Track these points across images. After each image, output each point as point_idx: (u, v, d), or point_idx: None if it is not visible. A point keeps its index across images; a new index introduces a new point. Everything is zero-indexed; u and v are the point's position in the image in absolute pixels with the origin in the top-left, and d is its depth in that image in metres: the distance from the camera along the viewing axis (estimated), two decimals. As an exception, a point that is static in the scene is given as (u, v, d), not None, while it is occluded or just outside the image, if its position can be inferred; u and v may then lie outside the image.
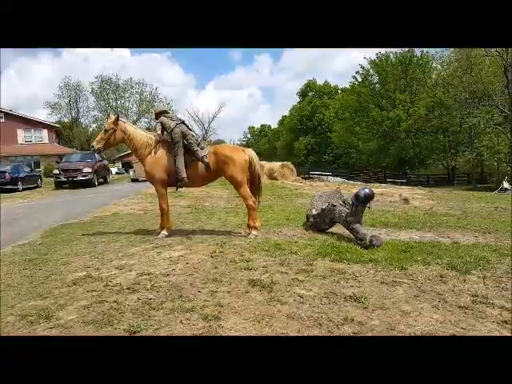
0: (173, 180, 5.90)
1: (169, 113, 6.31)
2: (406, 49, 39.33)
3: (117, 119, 5.95)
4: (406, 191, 14.27)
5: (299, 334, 2.61)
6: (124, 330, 2.74)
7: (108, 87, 55.99)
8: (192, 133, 5.97)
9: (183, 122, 6.03)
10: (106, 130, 5.93)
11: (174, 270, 4.19)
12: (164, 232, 5.97)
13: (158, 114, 6.16)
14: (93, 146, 5.96)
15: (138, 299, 3.33)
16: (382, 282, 3.61)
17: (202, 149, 5.91)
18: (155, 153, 5.93)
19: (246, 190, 5.88)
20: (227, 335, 2.64)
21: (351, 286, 3.53)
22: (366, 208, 5.46)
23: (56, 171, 19.36)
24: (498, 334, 2.58)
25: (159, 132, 6.01)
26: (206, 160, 5.72)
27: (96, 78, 55.91)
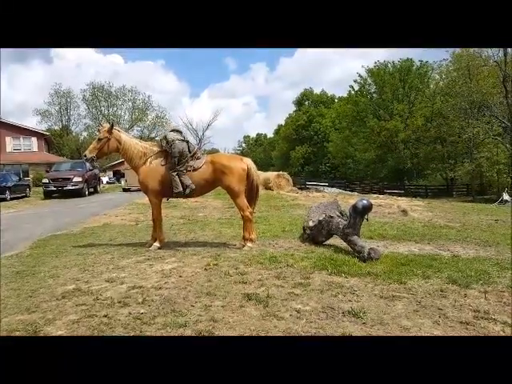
0: (167, 190, 5.89)
1: (181, 132, 6.25)
2: (405, 57, 39.93)
3: (111, 128, 5.93)
4: (404, 202, 14.33)
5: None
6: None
7: (100, 95, 56.08)
8: (188, 155, 5.85)
9: (187, 142, 5.98)
10: (99, 139, 5.90)
11: (166, 283, 4.17)
12: (156, 244, 5.94)
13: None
14: (85, 155, 5.94)
15: (129, 313, 3.30)
16: (381, 297, 3.60)
17: (197, 158, 5.93)
18: (150, 163, 5.92)
19: (244, 200, 5.88)
20: (226, 335, 2.68)
21: (349, 301, 3.52)
22: (364, 220, 5.48)
23: (45, 180, 19.29)
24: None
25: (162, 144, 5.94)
26: (192, 186, 5.72)
27: (88, 85, 55.95)
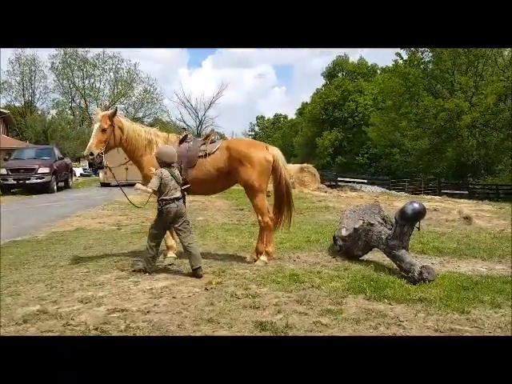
0: None
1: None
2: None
3: (114, 113, 5.79)
4: (467, 206, 14.20)
5: None
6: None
7: (73, 62, 56.77)
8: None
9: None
10: (103, 130, 5.70)
11: (156, 305, 4.21)
12: (171, 254, 5.99)
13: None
14: (92, 153, 5.64)
15: (109, 344, 3.35)
16: (436, 330, 3.58)
17: (212, 142, 5.99)
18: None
19: (264, 201, 5.88)
20: (226, 335, 3.04)
21: (394, 334, 3.51)
22: (415, 229, 5.44)
23: (3, 171, 19.55)
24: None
25: None
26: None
27: (57, 50, 56.63)
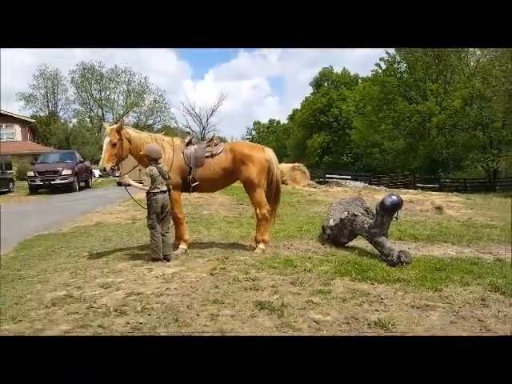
0: (185, 184, 5.90)
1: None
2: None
3: (121, 128, 5.65)
4: (439, 198, 14.20)
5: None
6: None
7: (90, 76, 56.48)
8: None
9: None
10: (113, 144, 5.58)
11: (167, 289, 4.22)
12: (182, 246, 5.94)
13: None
14: (104, 168, 5.57)
15: (127, 323, 3.35)
16: (413, 306, 3.60)
17: (215, 144, 5.98)
18: (164, 154, 5.79)
19: (262, 195, 5.92)
20: (227, 335, 2.83)
21: (376, 311, 3.53)
22: (393, 218, 5.46)
23: (30, 173, 19.48)
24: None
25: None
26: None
27: (77, 65, 56.38)
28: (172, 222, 5.96)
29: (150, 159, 5.45)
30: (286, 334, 2.82)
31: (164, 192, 5.46)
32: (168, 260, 5.38)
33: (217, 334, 2.86)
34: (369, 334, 2.76)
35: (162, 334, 2.86)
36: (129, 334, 2.91)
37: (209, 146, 5.98)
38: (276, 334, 2.98)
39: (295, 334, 2.84)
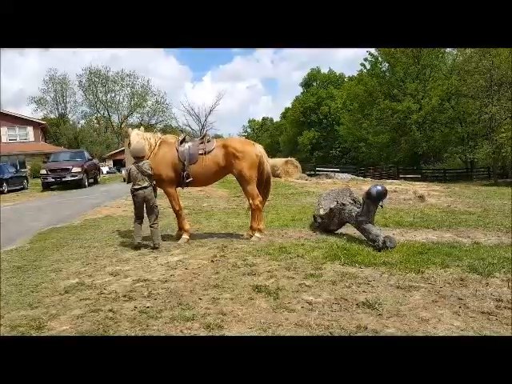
0: (180, 179, 5.88)
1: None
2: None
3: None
4: (421, 187, 14.24)
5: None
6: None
7: (97, 80, 56.06)
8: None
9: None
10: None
11: (172, 275, 4.22)
12: (185, 236, 5.92)
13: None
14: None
15: (135, 308, 3.35)
16: (398, 287, 3.62)
17: (208, 141, 5.95)
18: (158, 150, 5.87)
19: (254, 188, 5.90)
20: (227, 335, 2.75)
21: (364, 292, 3.54)
22: (379, 207, 5.46)
23: (43, 171, 19.40)
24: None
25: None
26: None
27: (84, 70, 55.98)
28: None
29: (134, 158, 5.59)
30: (286, 334, 2.75)
31: (144, 188, 5.51)
32: (156, 248, 5.41)
33: (217, 334, 2.79)
34: (369, 334, 2.72)
35: (161, 335, 2.79)
36: (129, 335, 2.84)
37: (202, 143, 5.94)
38: (273, 328, 2.93)
39: (295, 334, 2.76)
